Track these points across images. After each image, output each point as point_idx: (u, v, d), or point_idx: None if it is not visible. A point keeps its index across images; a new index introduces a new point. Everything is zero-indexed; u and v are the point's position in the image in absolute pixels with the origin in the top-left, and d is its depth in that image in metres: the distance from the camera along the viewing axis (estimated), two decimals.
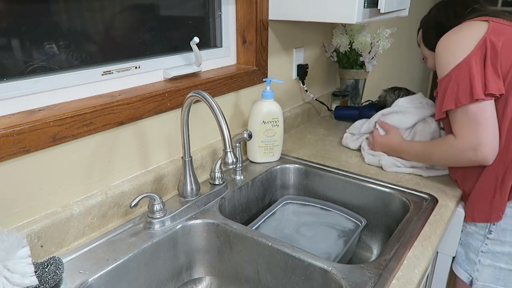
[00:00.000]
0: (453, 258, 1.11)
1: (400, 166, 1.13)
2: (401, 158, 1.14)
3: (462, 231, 1.05)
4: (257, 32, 1.19)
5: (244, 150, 1.22)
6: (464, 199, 1.05)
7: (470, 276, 1.04)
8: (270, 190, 1.18)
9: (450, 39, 0.97)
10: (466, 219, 1.03)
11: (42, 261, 0.68)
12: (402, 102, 1.22)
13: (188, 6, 1.11)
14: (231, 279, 0.93)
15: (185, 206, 0.91)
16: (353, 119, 1.54)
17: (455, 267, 1.09)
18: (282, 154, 1.22)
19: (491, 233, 0.99)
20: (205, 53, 1.14)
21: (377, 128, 1.22)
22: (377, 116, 1.23)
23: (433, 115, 1.17)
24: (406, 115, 1.17)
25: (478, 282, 1.03)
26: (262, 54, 1.24)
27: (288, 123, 1.43)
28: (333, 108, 1.63)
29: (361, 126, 1.29)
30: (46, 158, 0.75)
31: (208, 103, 0.78)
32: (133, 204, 0.80)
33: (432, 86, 3.51)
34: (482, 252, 1.01)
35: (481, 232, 1.01)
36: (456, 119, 0.95)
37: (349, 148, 1.30)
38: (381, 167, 1.15)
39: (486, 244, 1.00)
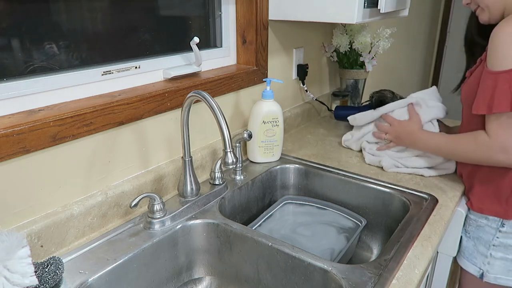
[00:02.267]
0: (457, 253, 1.10)
1: (400, 167, 1.13)
2: (414, 147, 1.10)
3: (470, 225, 1.05)
4: (257, 32, 1.19)
5: (244, 150, 1.22)
6: (470, 191, 1.04)
7: (480, 269, 1.04)
8: (270, 190, 1.18)
9: None
10: (475, 209, 1.02)
11: (42, 261, 0.68)
12: (417, 94, 1.18)
13: (188, 6, 1.11)
14: (231, 279, 0.93)
15: (185, 206, 0.91)
16: None
17: (462, 262, 1.08)
18: (282, 154, 1.22)
19: (503, 226, 0.99)
20: (205, 53, 1.14)
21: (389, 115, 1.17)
22: (388, 108, 1.18)
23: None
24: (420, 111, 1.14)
25: (489, 275, 1.03)
26: (262, 54, 1.24)
27: (288, 123, 1.43)
28: (333, 108, 1.62)
29: (363, 118, 1.24)
30: (46, 158, 0.75)
31: (208, 103, 0.78)
32: (133, 204, 0.80)
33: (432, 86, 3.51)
34: (493, 245, 1.01)
35: (493, 226, 1.00)
36: (496, 119, 0.89)
37: (351, 149, 1.29)
38: (382, 168, 1.15)
39: (497, 237, 1.00)
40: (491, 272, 1.03)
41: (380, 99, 1.38)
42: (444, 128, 1.22)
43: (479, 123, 0.96)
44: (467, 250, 1.07)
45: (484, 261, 1.03)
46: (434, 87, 1.23)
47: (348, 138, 1.30)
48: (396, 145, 1.15)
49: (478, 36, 1.07)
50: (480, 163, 0.98)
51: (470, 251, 1.06)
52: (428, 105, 1.15)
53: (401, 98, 1.28)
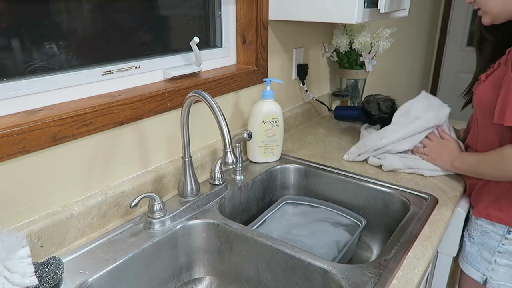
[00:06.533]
0: (456, 256, 1.10)
1: (400, 167, 1.13)
2: (449, 165, 1.08)
3: (475, 230, 1.03)
4: (257, 32, 1.19)
5: (244, 150, 1.22)
6: (478, 197, 1.03)
7: (484, 275, 1.03)
8: (270, 190, 1.18)
9: None
10: (477, 214, 1.01)
11: (42, 261, 0.68)
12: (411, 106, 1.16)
13: (188, 6, 1.11)
14: (231, 279, 0.93)
15: (185, 206, 0.91)
16: (353, 119, 1.55)
17: (465, 267, 1.07)
18: (282, 154, 1.22)
19: (510, 234, 0.97)
20: (205, 53, 1.14)
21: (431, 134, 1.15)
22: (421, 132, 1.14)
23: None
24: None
25: (493, 281, 1.01)
26: (262, 54, 1.24)
27: (288, 123, 1.43)
28: (333, 108, 1.63)
29: (366, 144, 1.18)
30: (46, 158, 0.75)
31: (208, 103, 0.78)
32: (133, 204, 0.80)
33: (432, 86, 3.51)
34: (499, 252, 0.99)
35: (499, 232, 0.99)
36: None
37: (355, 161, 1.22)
38: (381, 167, 1.15)
39: (503, 244, 0.99)
40: (494, 278, 1.01)
41: (367, 111, 1.32)
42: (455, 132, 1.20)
43: (496, 126, 0.92)
44: (470, 255, 1.05)
45: (488, 267, 1.02)
46: (423, 91, 1.21)
47: (353, 152, 1.21)
48: (428, 160, 1.12)
49: (487, 31, 1.03)
50: (507, 180, 0.94)
51: (473, 257, 1.05)
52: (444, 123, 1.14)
53: (392, 105, 1.25)
